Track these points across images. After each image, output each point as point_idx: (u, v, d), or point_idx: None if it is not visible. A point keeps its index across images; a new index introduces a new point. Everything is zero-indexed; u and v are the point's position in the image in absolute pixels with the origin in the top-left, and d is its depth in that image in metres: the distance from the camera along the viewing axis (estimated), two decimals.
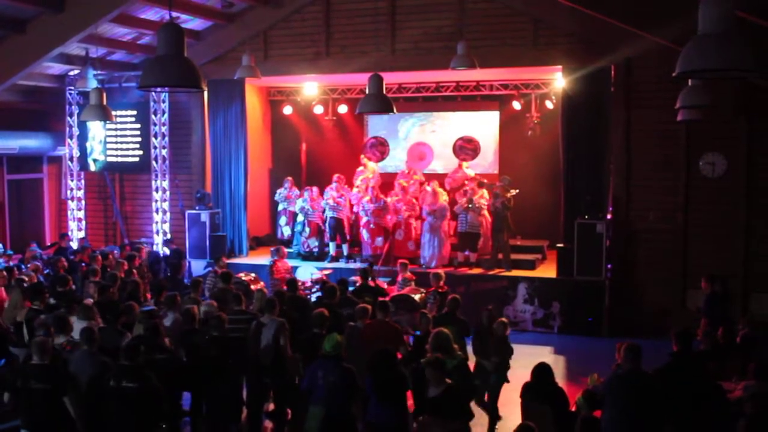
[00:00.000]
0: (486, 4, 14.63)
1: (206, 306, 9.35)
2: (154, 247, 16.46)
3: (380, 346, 7.75)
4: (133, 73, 16.55)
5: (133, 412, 6.91)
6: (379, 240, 15.34)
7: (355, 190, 16.35)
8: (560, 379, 8.71)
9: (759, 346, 8.65)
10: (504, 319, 9.39)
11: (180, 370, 8.08)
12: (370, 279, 11.54)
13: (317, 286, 12.67)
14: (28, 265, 12.56)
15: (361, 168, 17.10)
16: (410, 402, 7.96)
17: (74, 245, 16.33)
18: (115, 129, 17.02)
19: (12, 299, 10.34)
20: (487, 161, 17.60)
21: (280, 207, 17.06)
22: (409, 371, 7.89)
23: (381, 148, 17.86)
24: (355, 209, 15.96)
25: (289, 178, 17.11)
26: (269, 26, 15.98)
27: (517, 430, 5.94)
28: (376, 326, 8.84)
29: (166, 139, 16.73)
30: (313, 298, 11.79)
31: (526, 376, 7.39)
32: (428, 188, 15.55)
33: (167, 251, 15.74)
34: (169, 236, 16.71)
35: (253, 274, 13.55)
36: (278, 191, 16.98)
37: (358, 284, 11.65)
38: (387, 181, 16.94)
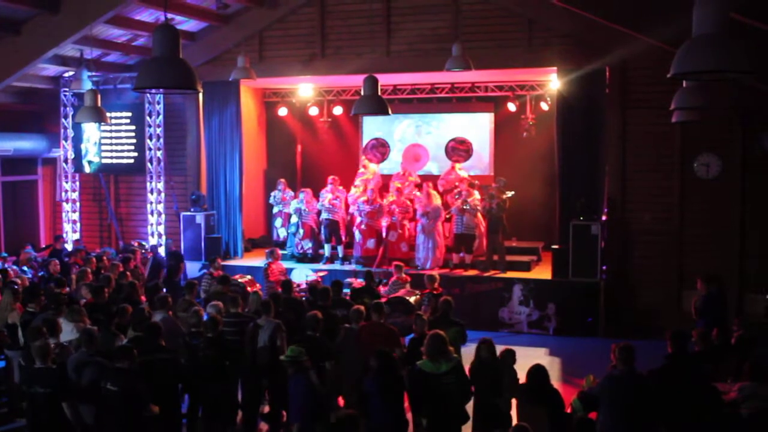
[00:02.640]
0: (481, 6, 14.65)
1: (212, 308, 9.30)
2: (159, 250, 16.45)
3: (376, 348, 7.75)
4: (128, 74, 16.54)
5: (114, 414, 6.91)
6: (371, 242, 15.31)
7: (353, 190, 16.33)
8: (555, 380, 8.73)
9: (754, 348, 8.66)
10: (512, 348, 8.33)
11: (179, 371, 8.06)
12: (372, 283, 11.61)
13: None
14: (12, 269, 12.54)
15: (362, 170, 17.09)
16: (405, 404, 7.97)
17: (69, 247, 16.28)
18: (110, 131, 17.00)
19: (3, 301, 10.31)
20: (482, 163, 17.60)
21: (276, 209, 17.04)
22: (405, 373, 7.88)
23: (382, 149, 17.86)
24: (351, 210, 15.95)
25: (282, 179, 17.08)
26: (264, 27, 15.97)
27: None
28: (371, 328, 8.84)
29: (161, 140, 16.71)
30: None
31: (521, 378, 7.39)
32: (418, 193, 15.57)
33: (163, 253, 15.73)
34: (165, 238, 16.69)
35: (248, 276, 13.52)
36: (272, 194, 16.95)
37: (354, 286, 11.67)
38: (383, 183, 16.92)
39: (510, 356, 8.14)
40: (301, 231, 16.03)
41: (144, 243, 16.13)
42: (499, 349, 8.30)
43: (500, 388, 7.88)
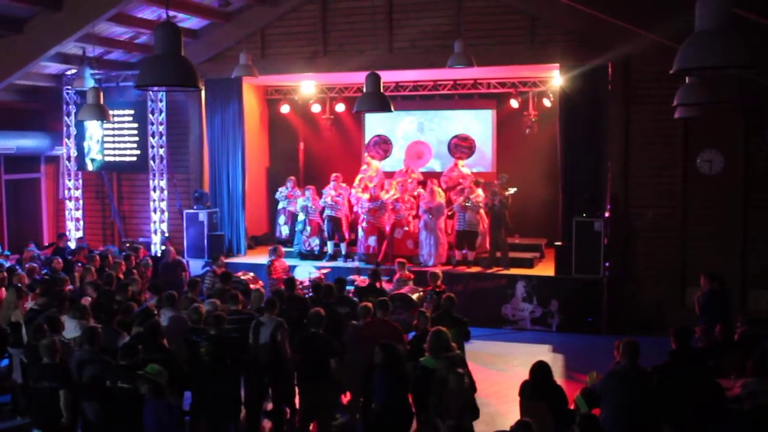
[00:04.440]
0: (483, 2, 14.62)
1: (209, 305, 9.33)
2: (152, 247, 16.45)
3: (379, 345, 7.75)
4: (130, 72, 16.53)
5: (126, 412, 6.91)
6: (372, 239, 15.30)
7: (353, 191, 16.32)
8: (559, 377, 8.71)
9: (757, 344, 8.65)
10: (461, 370, 7.26)
11: (178, 370, 8.06)
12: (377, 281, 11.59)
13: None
14: (26, 266, 12.54)
15: (364, 167, 17.08)
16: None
17: (72, 245, 16.30)
18: (113, 128, 17.01)
19: (7, 299, 10.33)
20: (485, 160, 17.59)
21: (280, 206, 17.03)
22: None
23: (384, 146, 17.84)
24: (355, 208, 15.94)
25: (292, 177, 17.10)
26: (266, 25, 15.96)
27: (515, 427, 5.94)
28: (375, 325, 8.84)
29: (164, 138, 16.71)
30: None
31: (524, 375, 7.39)
32: (422, 190, 15.58)
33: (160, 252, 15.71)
34: (162, 236, 16.68)
35: (251, 274, 13.53)
36: (280, 190, 16.95)
37: (357, 284, 11.65)
38: (385, 180, 16.92)
39: (457, 380, 7.06)
40: (308, 228, 16.03)
41: (138, 244, 15.95)
42: (502, 346, 8.27)
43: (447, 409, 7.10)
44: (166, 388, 6.80)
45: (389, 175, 17.02)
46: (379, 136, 17.95)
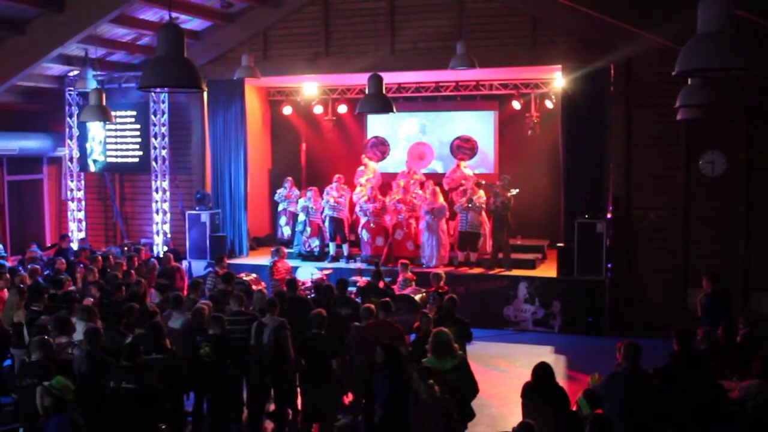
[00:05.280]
0: (485, 4, 14.62)
1: (204, 306, 9.33)
2: (155, 249, 16.46)
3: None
4: (132, 73, 16.55)
5: (132, 412, 6.92)
6: (380, 240, 15.33)
7: (358, 189, 16.35)
8: (561, 378, 8.72)
9: (760, 346, 8.64)
10: (431, 382, 6.86)
11: (179, 370, 8.07)
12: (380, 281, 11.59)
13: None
14: (28, 267, 12.54)
15: (361, 168, 17.09)
16: None
17: (75, 246, 16.30)
18: (115, 130, 17.02)
19: (9, 300, 10.33)
20: (487, 161, 17.60)
21: (280, 207, 17.06)
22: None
23: (382, 148, 17.83)
24: (356, 210, 15.95)
25: (289, 178, 17.11)
26: (268, 26, 15.98)
27: (517, 428, 5.94)
28: (377, 326, 8.84)
29: (166, 139, 16.72)
30: None
31: (526, 376, 7.39)
32: (420, 191, 15.58)
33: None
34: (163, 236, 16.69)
35: (254, 275, 13.54)
36: (278, 191, 16.97)
37: (359, 285, 11.66)
38: (386, 182, 16.94)
39: (428, 390, 6.78)
40: (308, 229, 16.04)
41: (139, 246, 15.92)
42: (504, 347, 8.24)
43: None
44: (71, 404, 6.48)
45: (391, 176, 17.03)
46: (376, 137, 17.93)
